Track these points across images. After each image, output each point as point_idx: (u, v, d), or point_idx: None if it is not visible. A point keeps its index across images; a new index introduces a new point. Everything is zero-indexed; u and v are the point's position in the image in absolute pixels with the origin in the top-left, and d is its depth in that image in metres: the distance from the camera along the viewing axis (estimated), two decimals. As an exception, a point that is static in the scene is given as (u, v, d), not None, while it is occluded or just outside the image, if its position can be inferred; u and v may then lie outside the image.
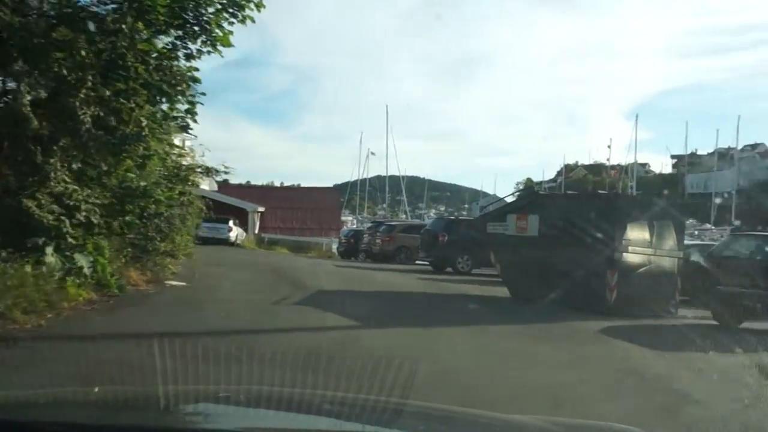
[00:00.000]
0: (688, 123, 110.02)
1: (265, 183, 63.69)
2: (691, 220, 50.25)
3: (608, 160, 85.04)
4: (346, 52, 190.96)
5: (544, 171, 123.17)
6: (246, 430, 2.04)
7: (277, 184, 66.76)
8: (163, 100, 10.80)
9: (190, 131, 11.95)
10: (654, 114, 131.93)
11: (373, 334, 7.87)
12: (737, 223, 48.03)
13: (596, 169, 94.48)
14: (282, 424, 2.15)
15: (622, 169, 79.96)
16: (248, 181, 58.90)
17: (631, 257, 12.59)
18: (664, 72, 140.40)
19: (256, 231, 40.67)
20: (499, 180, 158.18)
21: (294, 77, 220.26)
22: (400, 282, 16.55)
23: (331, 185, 78.96)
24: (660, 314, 12.46)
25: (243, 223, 37.48)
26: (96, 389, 2.59)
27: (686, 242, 17.21)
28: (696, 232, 36.64)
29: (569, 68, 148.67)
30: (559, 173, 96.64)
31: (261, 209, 41.82)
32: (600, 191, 27.41)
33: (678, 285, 12.95)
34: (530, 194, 14.46)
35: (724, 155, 72.11)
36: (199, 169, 15.18)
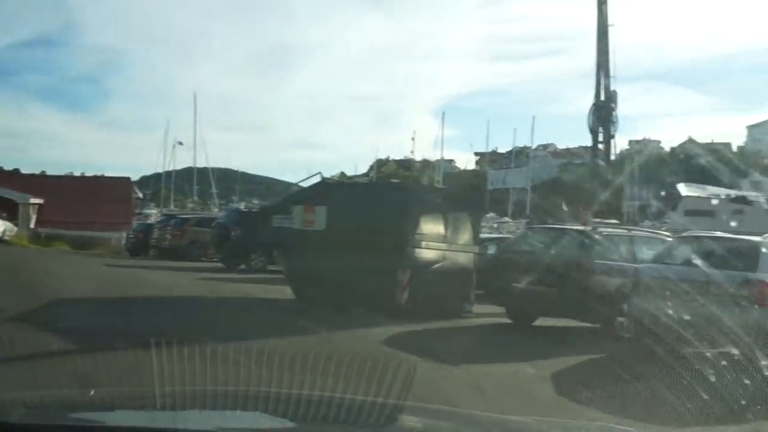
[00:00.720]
0: (489, 122, 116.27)
1: (65, 173, 57.21)
2: (491, 214, 52.77)
3: (412, 152, 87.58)
4: (154, 36, 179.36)
5: (357, 165, 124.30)
6: (238, 430, 2.15)
7: (77, 174, 60.24)
8: None
9: None
10: (460, 113, 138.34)
11: (83, 361, 5.82)
12: (531, 216, 50.77)
13: (407, 163, 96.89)
14: (276, 425, 2.20)
15: (429, 165, 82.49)
16: (43, 171, 52.84)
17: (425, 253, 11.50)
18: (468, 74, 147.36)
19: (32, 225, 35.90)
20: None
21: (98, 60, 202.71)
22: (174, 284, 14.37)
23: (137, 176, 74.05)
24: (455, 314, 11.55)
25: (14, 217, 32.89)
26: (92, 391, 2.56)
27: (484, 235, 16.75)
28: (495, 225, 37.88)
29: (382, 66, 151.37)
30: (371, 168, 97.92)
31: (37, 201, 36.93)
32: (392, 180, 26.73)
33: (474, 282, 12.11)
34: (318, 183, 12.91)
35: (520, 153, 76.71)
36: None
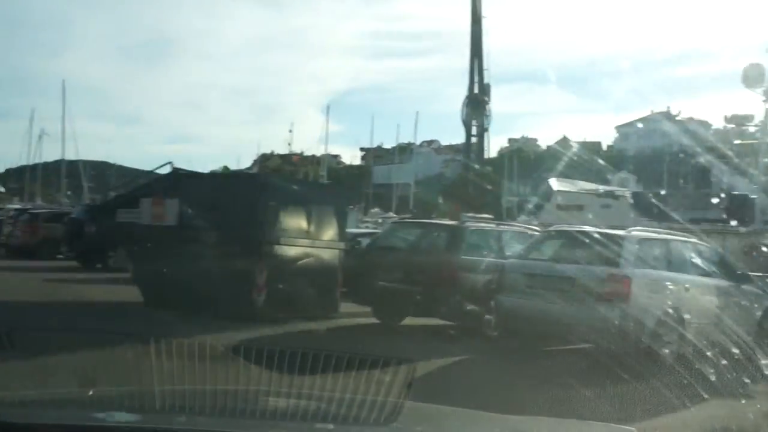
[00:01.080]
0: (374, 118, 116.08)
1: None
2: (376, 209, 52.73)
3: (290, 144, 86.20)
4: (16, 19, 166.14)
5: (240, 159, 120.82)
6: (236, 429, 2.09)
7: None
8: None
9: None
10: (345, 108, 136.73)
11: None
12: (415, 211, 51.09)
13: (291, 158, 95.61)
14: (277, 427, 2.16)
15: (314, 159, 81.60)
16: None
17: (285, 250, 10.66)
18: (354, 70, 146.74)
19: None
20: (194, 168, 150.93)
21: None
22: (6, 287, 12.73)
23: (1, 170, 68.79)
24: (319, 315, 10.79)
25: None
26: (90, 392, 2.62)
27: (358, 230, 16.15)
28: (380, 220, 37.70)
29: (266, 59, 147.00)
30: (255, 162, 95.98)
31: None
32: (247, 171, 25.68)
33: (340, 280, 11.39)
34: (169, 174, 11.77)
35: (404, 149, 77.39)
36: None
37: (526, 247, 9.69)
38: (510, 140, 76.81)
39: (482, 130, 22.12)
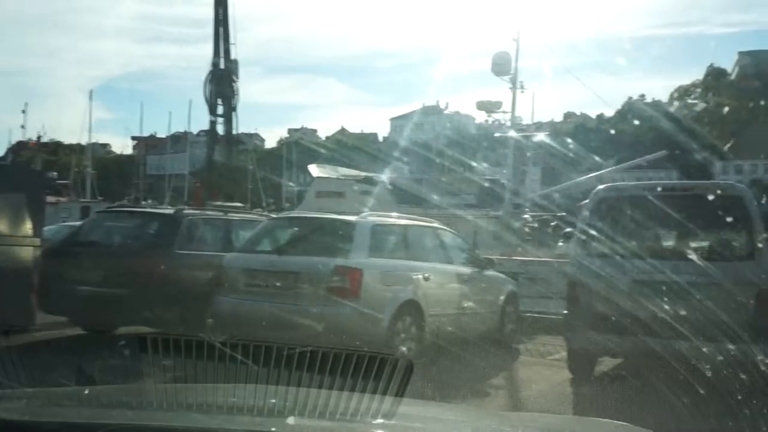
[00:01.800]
0: (143, 105, 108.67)
1: None
2: (149, 201, 49.12)
3: (23, 127, 77.56)
4: None
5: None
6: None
7: None
8: None
9: None
10: (116, 95, 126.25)
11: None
12: (190, 202, 48.54)
13: (53, 147, 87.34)
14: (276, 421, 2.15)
15: (78, 148, 74.94)
16: None
17: (-51, 250, 8.37)
18: (126, 54, 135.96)
19: None
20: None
21: None
22: None
23: None
24: (8, 328, 8.62)
25: None
26: (86, 390, 2.63)
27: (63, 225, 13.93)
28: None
29: (29, 39, 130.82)
30: (8, 151, 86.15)
31: None
32: None
33: (35, 284, 9.27)
34: None
35: (179, 139, 73.71)
36: None
37: (249, 238, 8.39)
38: (290, 131, 76.40)
39: (230, 110, 20.47)
